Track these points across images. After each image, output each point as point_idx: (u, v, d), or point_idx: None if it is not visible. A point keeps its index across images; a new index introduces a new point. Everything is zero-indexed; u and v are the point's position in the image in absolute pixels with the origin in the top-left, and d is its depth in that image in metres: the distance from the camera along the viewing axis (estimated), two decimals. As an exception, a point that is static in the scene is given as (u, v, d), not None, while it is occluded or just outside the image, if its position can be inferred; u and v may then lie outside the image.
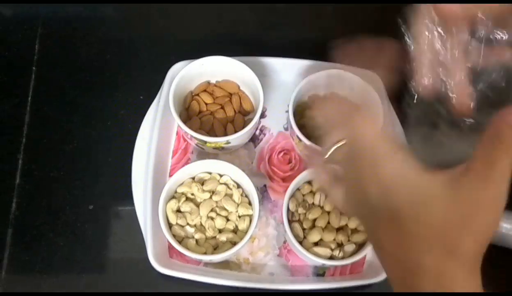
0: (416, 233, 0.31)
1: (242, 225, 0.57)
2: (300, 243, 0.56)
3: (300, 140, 0.58)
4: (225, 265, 0.59)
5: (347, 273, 0.59)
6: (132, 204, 0.60)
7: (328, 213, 0.57)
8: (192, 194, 0.58)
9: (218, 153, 0.63)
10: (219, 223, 0.57)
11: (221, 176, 0.60)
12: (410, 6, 0.38)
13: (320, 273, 0.59)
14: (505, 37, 0.35)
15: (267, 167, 0.63)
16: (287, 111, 0.60)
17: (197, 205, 0.58)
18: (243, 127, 0.59)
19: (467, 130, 0.38)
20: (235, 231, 0.57)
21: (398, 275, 0.33)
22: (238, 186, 0.59)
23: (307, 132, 0.59)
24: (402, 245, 0.32)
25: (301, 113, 0.62)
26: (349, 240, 0.56)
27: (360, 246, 0.56)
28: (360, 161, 0.35)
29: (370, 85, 0.59)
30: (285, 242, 0.60)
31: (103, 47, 0.70)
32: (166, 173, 0.62)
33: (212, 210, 0.57)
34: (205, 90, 0.63)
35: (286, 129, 0.65)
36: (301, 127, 0.59)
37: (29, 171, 0.63)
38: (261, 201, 0.61)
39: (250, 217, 0.57)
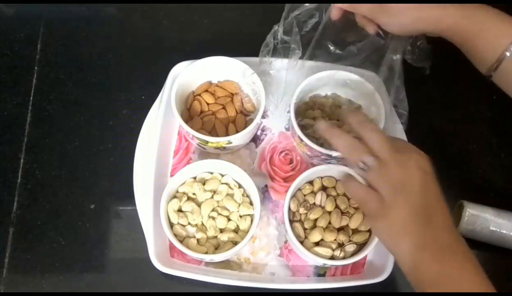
0: None
1: (243, 225, 0.57)
2: (301, 243, 0.56)
3: (301, 140, 0.58)
4: (226, 264, 0.59)
5: (348, 273, 0.59)
6: (134, 203, 0.60)
7: (329, 213, 0.58)
8: (194, 194, 0.58)
9: (219, 153, 0.63)
10: (220, 222, 0.57)
11: (222, 175, 0.60)
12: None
13: (321, 273, 0.59)
14: None
15: (268, 167, 0.63)
16: (289, 112, 0.60)
17: (199, 205, 0.58)
18: (245, 127, 0.59)
19: None
20: (236, 230, 0.58)
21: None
22: (240, 186, 0.59)
23: (308, 133, 0.59)
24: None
25: (303, 114, 0.62)
26: (350, 240, 0.56)
27: (361, 246, 0.56)
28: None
29: (372, 86, 0.60)
30: (286, 242, 0.60)
31: (106, 47, 0.70)
32: (167, 173, 0.63)
33: (213, 210, 0.58)
34: (206, 90, 0.64)
35: (287, 129, 0.65)
36: (302, 128, 0.59)
37: (30, 170, 0.63)
38: (262, 201, 0.61)
39: (251, 216, 0.57)
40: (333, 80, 0.62)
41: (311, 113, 0.62)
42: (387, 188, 0.47)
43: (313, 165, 0.61)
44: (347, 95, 0.63)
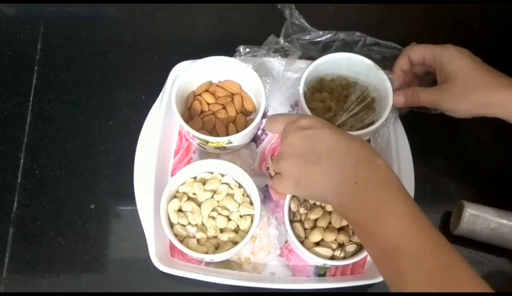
0: None
1: (243, 225, 0.57)
2: (302, 243, 0.56)
3: None
4: (226, 264, 0.59)
5: (348, 273, 0.59)
6: (134, 203, 0.60)
7: (329, 213, 0.57)
8: (194, 194, 0.58)
9: (220, 153, 0.63)
10: (221, 222, 0.57)
11: (222, 175, 0.60)
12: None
13: (321, 273, 0.59)
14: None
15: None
16: (291, 106, 0.61)
17: (199, 205, 0.58)
18: (245, 127, 0.59)
19: None
20: (236, 230, 0.58)
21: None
22: (240, 186, 0.59)
23: (317, 115, 0.59)
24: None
25: (311, 97, 0.62)
26: (350, 240, 0.56)
27: (361, 246, 0.56)
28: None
29: (378, 67, 0.60)
30: (286, 242, 0.60)
31: (106, 46, 0.70)
32: (168, 173, 0.63)
33: (213, 210, 0.58)
34: (207, 90, 0.64)
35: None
36: (311, 110, 0.59)
37: (30, 170, 0.63)
38: (262, 201, 0.61)
39: (252, 216, 0.57)
40: (340, 63, 0.62)
41: (319, 96, 0.62)
42: (278, 165, 0.50)
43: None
44: (354, 77, 0.63)
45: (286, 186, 0.50)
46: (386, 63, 0.63)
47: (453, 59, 0.54)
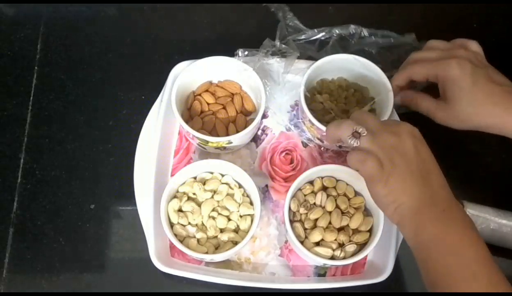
0: None
1: (243, 225, 0.57)
2: (302, 243, 0.56)
3: (312, 124, 0.58)
4: (226, 264, 0.59)
5: (348, 273, 0.59)
6: (134, 203, 0.60)
7: (330, 213, 0.58)
8: (194, 194, 0.58)
9: (220, 153, 0.63)
10: (221, 222, 0.57)
11: (222, 175, 0.60)
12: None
13: (321, 273, 0.59)
14: None
15: (269, 167, 0.63)
16: (289, 111, 0.60)
17: (199, 205, 0.58)
18: (245, 127, 0.59)
19: None
20: (236, 230, 0.58)
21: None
22: (240, 186, 0.59)
23: (317, 116, 0.59)
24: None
25: (311, 98, 0.62)
26: (350, 240, 0.56)
27: (361, 246, 0.56)
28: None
29: (379, 67, 0.60)
30: (286, 242, 0.60)
31: (106, 46, 0.70)
32: (168, 173, 0.63)
33: (213, 210, 0.58)
34: (207, 90, 0.64)
35: (288, 129, 0.65)
36: (311, 111, 0.59)
37: (30, 170, 0.63)
38: (262, 201, 0.61)
39: (252, 216, 0.57)
40: (340, 64, 0.62)
41: (319, 97, 0.62)
42: (382, 151, 0.48)
43: (314, 165, 0.61)
44: (354, 79, 0.63)
45: (371, 171, 0.48)
46: (387, 54, 0.63)
47: (455, 81, 0.55)
